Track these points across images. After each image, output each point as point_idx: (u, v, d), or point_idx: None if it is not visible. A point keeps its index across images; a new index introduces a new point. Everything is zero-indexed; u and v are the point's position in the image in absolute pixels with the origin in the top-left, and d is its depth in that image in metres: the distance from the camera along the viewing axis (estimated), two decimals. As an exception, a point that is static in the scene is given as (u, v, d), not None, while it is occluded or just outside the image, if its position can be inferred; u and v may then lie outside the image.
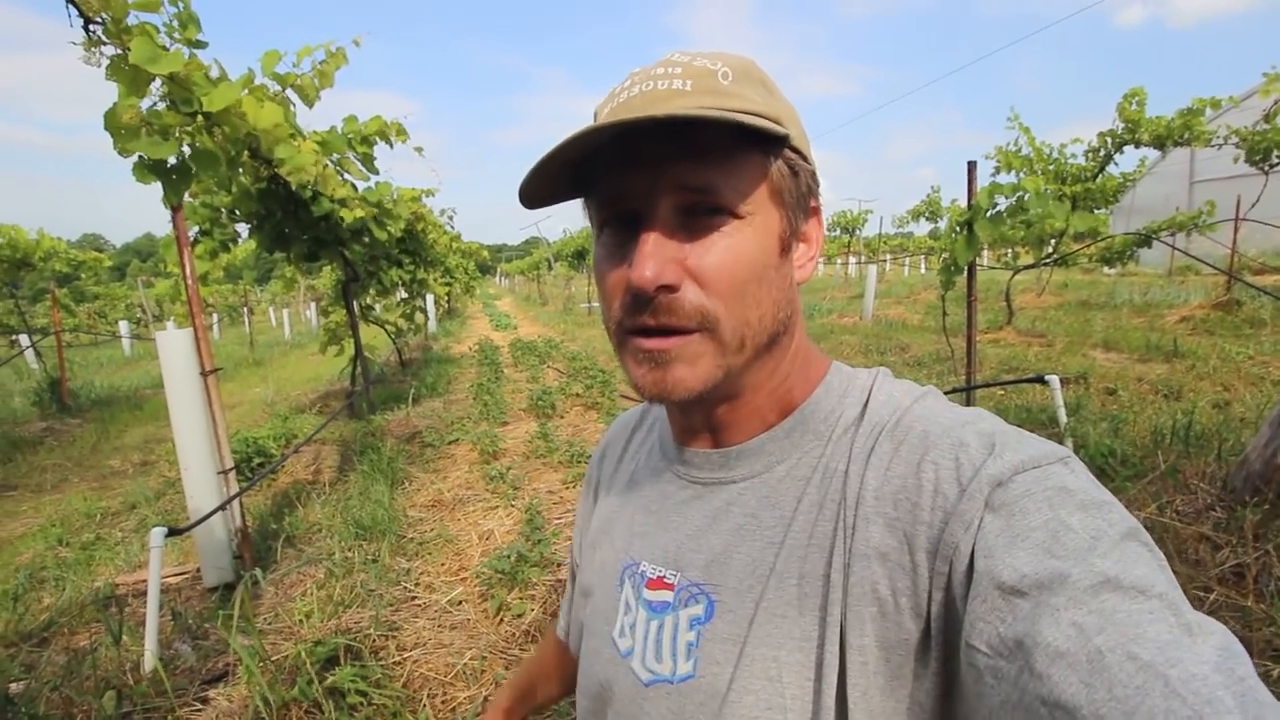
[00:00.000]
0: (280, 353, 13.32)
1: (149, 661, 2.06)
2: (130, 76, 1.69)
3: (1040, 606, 0.31)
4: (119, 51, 1.68)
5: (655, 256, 0.41)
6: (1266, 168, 7.33)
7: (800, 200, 0.47)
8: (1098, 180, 7.53)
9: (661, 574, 0.50)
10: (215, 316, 17.40)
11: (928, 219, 19.79)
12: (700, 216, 0.43)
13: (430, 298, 11.72)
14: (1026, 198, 3.62)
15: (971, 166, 3.67)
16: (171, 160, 1.82)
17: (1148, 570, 0.32)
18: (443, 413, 5.73)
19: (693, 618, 0.47)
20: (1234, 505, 2.34)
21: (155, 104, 1.95)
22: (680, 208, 0.42)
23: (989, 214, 3.65)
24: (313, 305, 20.40)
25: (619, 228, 0.45)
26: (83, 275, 8.87)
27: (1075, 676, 0.28)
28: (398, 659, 2.20)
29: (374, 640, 2.24)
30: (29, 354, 9.97)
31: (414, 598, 2.65)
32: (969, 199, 3.68)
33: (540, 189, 0.45)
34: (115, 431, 6.54)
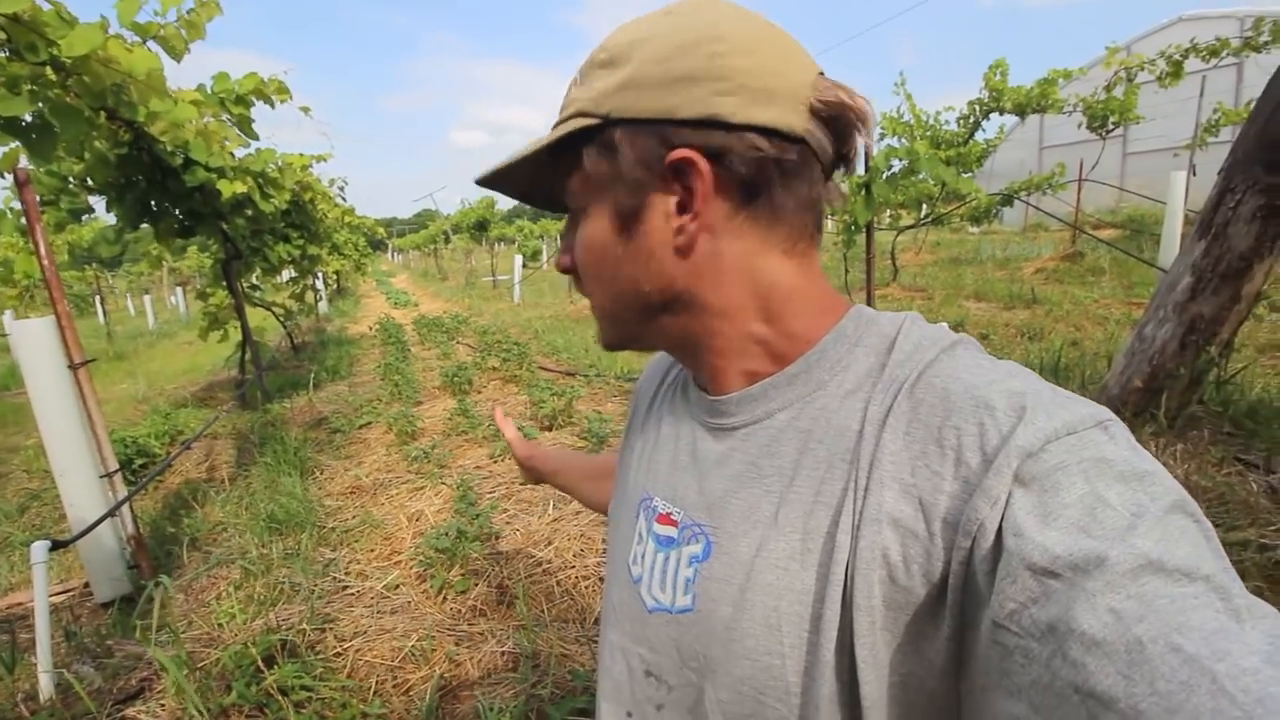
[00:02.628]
0: (145, 344, 11.96)
1: (46, 687, 1.84)
2: (-38, 17, 1.41)
3: (1075, 590, 0.29)
4: (-55, -13, 1.40)
5: (561, 247, 0.55)
6: (1104, 133, 8.26)
7: (635, 172, 0.45)
8: (968, 145, 8.18)
9: (669, 510, 0.52)
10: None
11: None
12: (573, 215, 0.52)
13: (321, 276, 10.90)
14: (916, 161, 3.89)
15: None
16: (28, 118, 1.55)
17: (1193, 549, 0.30)
18: (349, 396, 5.42)
19: (692, 555, 0.49)
20: (1097, 427, 2.70)
21: (-7, 52, 1.65)
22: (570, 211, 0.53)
23: (885, 176, 3.89)
24: (179, 290, 18.37)
25: None
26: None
27: (1113, 667, 0.27)
28: (338, 650, 2.10)
29: (309, 635, 2.13)
30: None
31: (346, 587, 2.53)
32: (865, 161, 3.89)
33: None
34: (-51, 443, 5.64)
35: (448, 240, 23.33)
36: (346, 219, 11.60)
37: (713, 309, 0.48)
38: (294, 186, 4.89)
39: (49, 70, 1.79)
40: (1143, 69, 7.14)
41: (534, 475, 0.98)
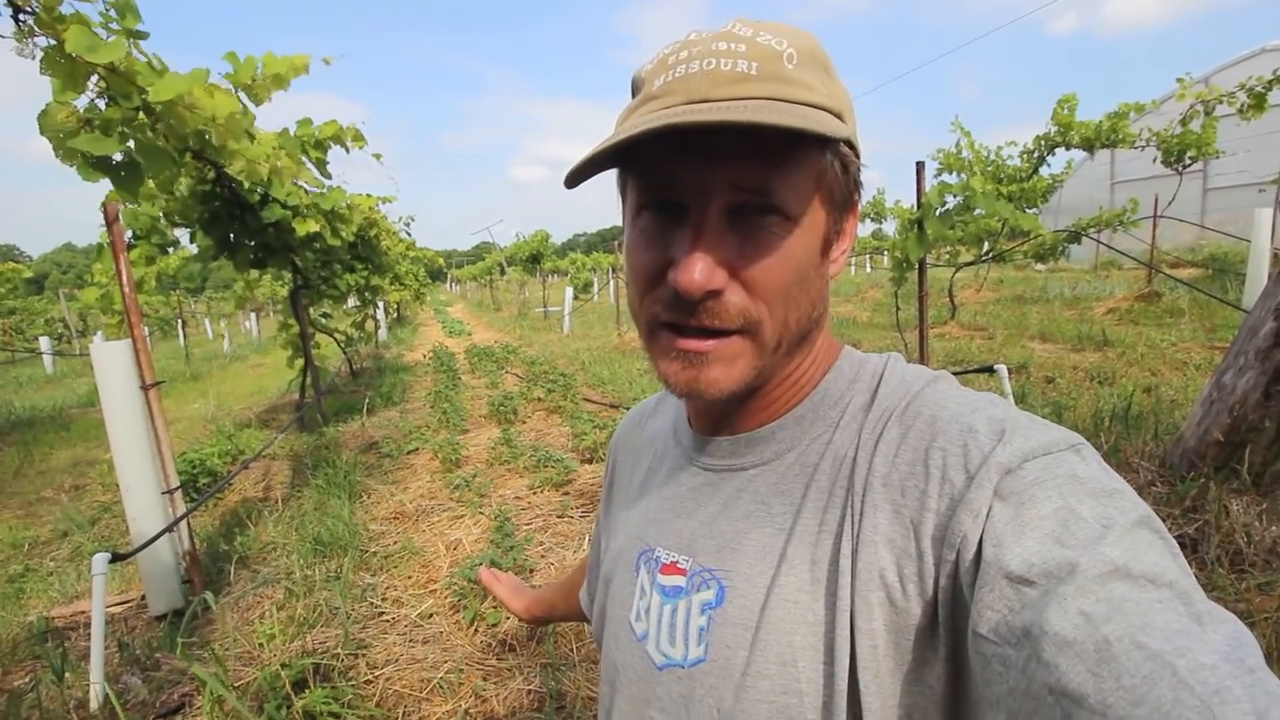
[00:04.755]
0: (219, 365, 12.69)
1: (97, 697, 1.92)
2: (67, 69, 1.57)
3: (1048, 595, 0.31)
4: (53, 42, 1.57)
5: (705, 260, 0.40)
6: (1180, 168, 7.88)
7: (846, 197, 0.45)
8: (1031, 180, 7.93)
9: (675, 559, 0.51)
10: (146, 330, 16.40)
11: (873, 220, 20.46)
12: (751, 215, 0.41)
13: (382, 305, 11.40)
14: (973, 197, 3.78)
15: (920, 167, 3.80)
16: (118, 157, 1.70)
17: (1158, 558, 0.32)
18: (400, 422, 5.58)
19: (704, 602, 0.47)
20: (1173, 480, 2.49)
21: (93, 100, 1.82)
22: (731, 206, 0.41)
23: (938, 212, 3.79)
24: (253, 315, 19.53)
25: (660, 214, 0.43)
26: (-1, 288, 8.23)
27: (1083, 665, 0.28)
28: (369, 677, 2.12)
29: (342, 660, 2.15)
30: (-65, 375, 9.20)
31: (382, 613, 2.56)
32: (918, 198, 3.80)
33: (584, 167, 0.42)
34: (40, 454, 6.08)
35: (503, 272, 24.07)
36: (409, 252, 12.14)
37: (814, 344, 0.49)
38: (361, 223, 5.16)
39: (141, 115, 1.96)
40: (1221, 102, 6.80)
41: (537, 622, 0.93)
